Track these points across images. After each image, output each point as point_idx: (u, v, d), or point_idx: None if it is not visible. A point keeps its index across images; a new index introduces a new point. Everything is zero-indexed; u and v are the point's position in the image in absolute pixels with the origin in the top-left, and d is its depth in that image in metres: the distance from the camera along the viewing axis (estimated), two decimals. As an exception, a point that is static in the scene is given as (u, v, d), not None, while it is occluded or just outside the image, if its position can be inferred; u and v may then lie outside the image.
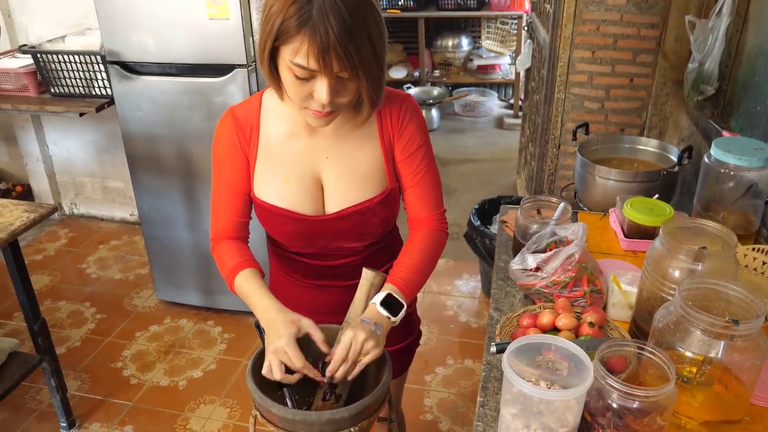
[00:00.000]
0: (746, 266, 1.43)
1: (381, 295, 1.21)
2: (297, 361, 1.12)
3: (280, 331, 1.14)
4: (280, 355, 1.13)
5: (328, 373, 1.16)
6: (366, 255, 1.36)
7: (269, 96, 1.25)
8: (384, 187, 1.28)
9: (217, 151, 1.29)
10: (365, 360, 1.15)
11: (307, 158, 1.25)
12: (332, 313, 1.36)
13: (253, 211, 1.33)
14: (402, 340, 1.53)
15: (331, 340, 1.24)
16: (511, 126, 5.31)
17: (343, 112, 1.19)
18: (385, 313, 1.19)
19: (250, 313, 2.88)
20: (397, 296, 1.21)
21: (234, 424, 2.41)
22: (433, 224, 1.33)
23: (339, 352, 1.14)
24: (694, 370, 1.04)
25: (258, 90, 2.52)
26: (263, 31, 1.06)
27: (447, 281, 3.27)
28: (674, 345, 1.04)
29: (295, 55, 1.03)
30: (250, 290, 1.23)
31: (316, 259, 1.35)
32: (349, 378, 1.17)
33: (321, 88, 1.06)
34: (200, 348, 2.82)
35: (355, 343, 1.14)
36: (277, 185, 1.25)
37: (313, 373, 1.15)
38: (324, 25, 0.99)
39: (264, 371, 1.15)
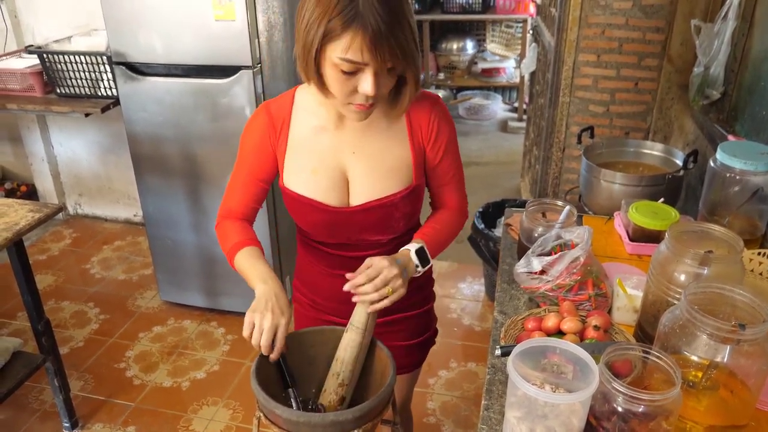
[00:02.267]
0: (752, 271, 1.43)
1: (415, 245, 1.26)
2: (281, 343, 1.16)
3: (284, 308, 1.18)
4: (279, 329, 1.16)
5: (347, 287, 1.18)
6: (389, 249, 1.38)
7: (302, 92, 1.31)
8: (409, 183, 1.32)
9: (246, 141, 1.34)
10: (391, 298, 1.18)
11: (335, 152, 1.29)
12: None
13: (271, 200, 1.35)
14: (420, 335, 1.57)
15: (336, 341, 1.24)
16: (515, 129, 5.31)
17: (380, 104, 1.24)
18: (416, 260, 1.24)
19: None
20: (427, 250, 1.27)
21: (237, 426, 2.41)
22: (455, 207, 1.42)
23: (369, 272, 1.17)
24: (700, 374, 1.04)
25: (263, 92, 2.53)
26: (305, 37, 1.11)
27: (450, 284, 3.27)
28: (680, 349, 1.03)
29: (346, 52, 1.07)
30: (255, 262, 1.26)
31: (340, 249, 1.39)
32: (370, 309, 1.18)
33: (366, 80, 1.11)
34: (203, 349, 2.82)
35: (387, 272, 1.17)
36: (306, 176, 1.30)
37: (277, 353, 1.17)
38: (374, 17, 1.05)
39: (246, 332, 1.16)
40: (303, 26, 1.11)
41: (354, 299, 1.19)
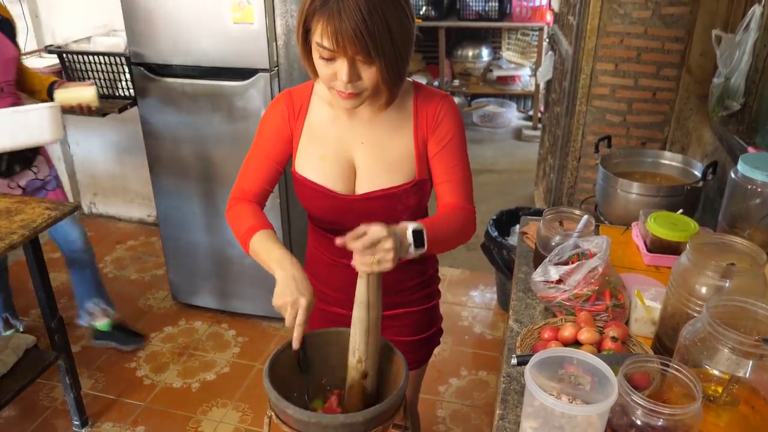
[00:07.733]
0: (772, 285, 1.40)
1: (414, 225, 1.19)
2: (300, 326, 1.16)
3: (304, 289, 1.17)
4: (300, 311, 1.15)
5: (338, 241, 1.13)
6: None
7: (320, 82, 1.32)
8: (412, 177, 1.33)
9: (265, 122, 1.39)
10: (377, 267, 1.12)
11: (344, 141, 1.34)
12: None
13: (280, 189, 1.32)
14: (424, 331, 1.57)
15: (345, 343, 1.22)
16: (530, 138, 5.29)
17: (371, 98, 1.24)
18: (410, 238, 1.18)
19: (265, 318, 2.88)
20: (425, 234, 1.20)
21: (245, 429, 2.40)
22: (458, 206, 1.34)
23: (365, 240, 1.10)
24: (720, 389, 1.02)
25: (280, 95, 2.54)
26: (299, 11, 1.17)
27: (462, 292, 3.25)
28: (701, 362, 1.02)
29: (319, 37, 1.12)
30: (270, 247, 1.24)
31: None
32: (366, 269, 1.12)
33: (341, 68, 1.15)
34: (214, 351, 2.82)
35: (378, 231, 1.10)
36: (315, 162, 1.35)
37: (297, 333, 1.17)
38: (338, 8, 1.08)
39: (278, 304, 1.17)
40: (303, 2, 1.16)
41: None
